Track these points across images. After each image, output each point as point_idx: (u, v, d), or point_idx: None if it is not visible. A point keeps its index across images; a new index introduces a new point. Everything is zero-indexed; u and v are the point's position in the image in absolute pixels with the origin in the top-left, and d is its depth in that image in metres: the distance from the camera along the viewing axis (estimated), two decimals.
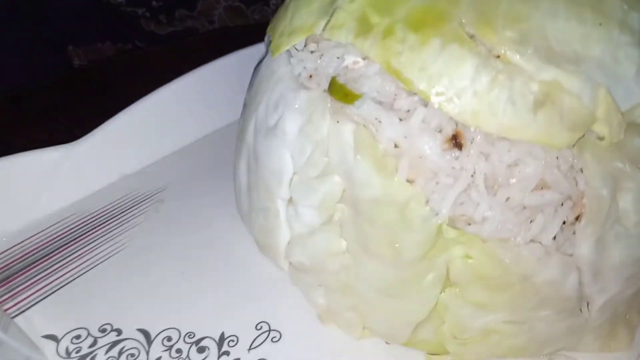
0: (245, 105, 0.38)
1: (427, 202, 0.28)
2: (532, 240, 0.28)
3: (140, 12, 0.73)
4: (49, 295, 0.34)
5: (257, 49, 0.46)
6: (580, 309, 0.31)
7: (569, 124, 0.26)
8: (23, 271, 0.36)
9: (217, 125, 0.50)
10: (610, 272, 0.30)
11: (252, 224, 0.37)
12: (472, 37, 0.26)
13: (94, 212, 0.41)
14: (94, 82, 0.58)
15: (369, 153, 0.28)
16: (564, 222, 0.28)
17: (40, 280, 0.35)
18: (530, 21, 0.26)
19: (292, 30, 0.30)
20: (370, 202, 0.29)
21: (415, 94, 0.27)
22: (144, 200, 0.42)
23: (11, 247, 0.37)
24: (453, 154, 0.27)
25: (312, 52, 0.31)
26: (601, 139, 0.27)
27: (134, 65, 0.61)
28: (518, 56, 0.25)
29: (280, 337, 0.33)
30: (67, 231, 0.39)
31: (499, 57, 0.26)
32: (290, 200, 0.33)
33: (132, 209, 0.41)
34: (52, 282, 0.35)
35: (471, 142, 0.27)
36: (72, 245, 0.38)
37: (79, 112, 0.53)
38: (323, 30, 0.29)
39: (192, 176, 0.45)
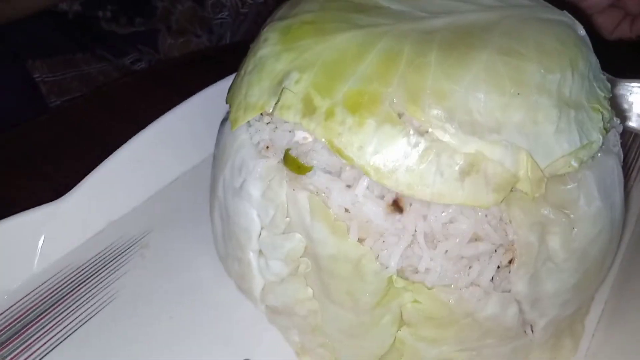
0: (214, 158, 0.41)
1: (377, 257, 0.31)
2: (472, 284, 0.32)
3: (100, 14, 0.75)
4: (50, 351, 0.38)
5: (226, 83, 0.47)
6: (525, 331, 0.35)
7: (494, 187, 0.29)
8: (25, 329, 0.39)
9: (193, 162, 0.54)
10: (546, 300, 0.34)
11: (229, 269, 0.41)
12: (402, 115, 0.29)
13: (84, 264, 0.44)
14: (70, 123, 0.60)
15: (323, 217, 0.31)
16: (498, 267, 0.32)
17: (41, 337, 0.39)
18: (454, 97, 0.29)
19: (247, 106, 0.33)
20: (328, 258, 0.32)
21: None
22: (130, 247, 0.46)
23: (12, 306, 0.41)
24: (395, 217, 0.31)
25: (267, 123, 0.34)
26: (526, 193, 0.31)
27: (107, 102, 0.64)
28: (443, 133, 0.29)
29: None
30: (61, 285, 0.42)
31: (427, 133, 0.29)
32: (260, 252, 0.36)
33: (120, 256, 0.45)
34: (51, 338, 0.39)
35: (410, 206, 0.30)
36: (66, 299, 0.41)
37: (58, 156, 0.55)
38: (273, 109, 0.32)
39: (175, 215, 0.48)
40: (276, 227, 0.34)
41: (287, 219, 0.33)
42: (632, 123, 0.57)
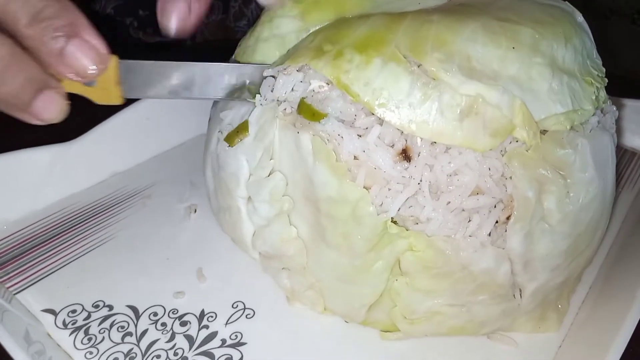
0: (210, 120, 0.42)
1: (381, 204, 0.32)
2: (470, 236, 0.33)
3: (129, 21, 0.76)
4: (47, 275, 0.39)
5: None
6: (514, 295, 0.36)
7: (491, 131, 0.31)
8: (23, 255, 0.40)
9: (199, 131, 0.55)
10: (538, 263, 0.35)
11: (222, 222, 0.41)
12: (406, 57, 0.30)
13: (87, 205, 0.45)
14: None
15: (325, 159, 0.32)
16: (496, 222, 0.33)
17: (39, 263, 0.39)
18: (454, 45, 0.31)
19: None
20: (327, 200, 0.33)
21: (372, 114, 0.31)
22: (133, 196, 0.47)
23: (11, 235, 0.42)
24: (403, 166, 0.32)
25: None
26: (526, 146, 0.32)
27: None
28: (444, 72, 0.30)
29: (254, 314, 0.38)
30: (62, 221, 0.43)
31: (429, 72, 0.30)
32: (249, 199, 0.37)
33: (122, 202, 0.46)
34: (50, 264, 0.39)
35: (418, 155, 0.32)
36: (67, 233, 0.42)
37: (70, 116, 0.56)
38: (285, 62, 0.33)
39: (176, 175, 0.50)
40: (262, 168, 0.35)
41: (272, 160, 0.34)
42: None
